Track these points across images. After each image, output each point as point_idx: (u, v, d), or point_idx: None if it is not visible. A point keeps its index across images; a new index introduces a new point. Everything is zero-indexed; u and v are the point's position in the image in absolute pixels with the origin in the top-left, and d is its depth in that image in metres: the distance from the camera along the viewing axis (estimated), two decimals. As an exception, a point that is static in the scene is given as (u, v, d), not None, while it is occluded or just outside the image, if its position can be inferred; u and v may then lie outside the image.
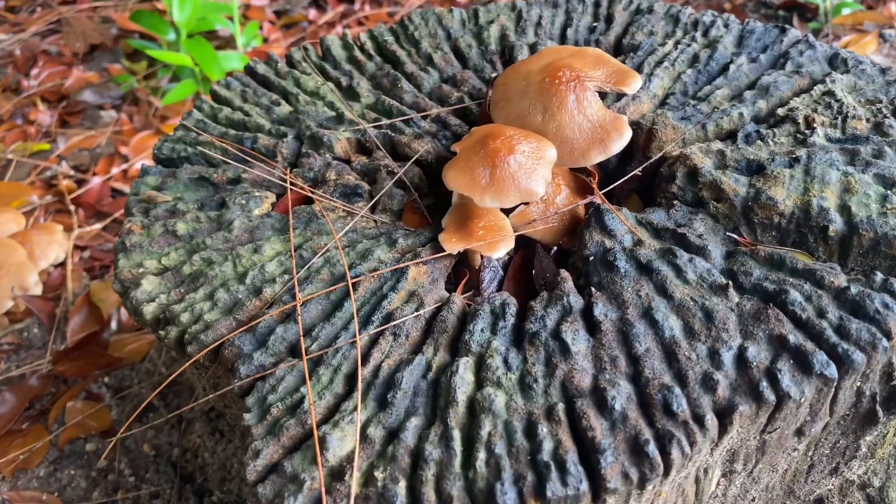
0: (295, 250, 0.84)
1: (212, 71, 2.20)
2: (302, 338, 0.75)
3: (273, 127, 1.00)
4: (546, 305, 0.75)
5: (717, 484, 0.78)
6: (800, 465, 0.81)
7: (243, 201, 0.91)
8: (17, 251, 1.45)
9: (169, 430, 1.33)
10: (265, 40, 2.54)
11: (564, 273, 0.79)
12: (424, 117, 0.98)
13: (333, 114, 1.00)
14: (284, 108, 1.03)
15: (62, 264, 1.65)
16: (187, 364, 0.80)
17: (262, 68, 1.10)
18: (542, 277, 0.82)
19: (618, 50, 1.05)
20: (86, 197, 1.93)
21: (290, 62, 1.12)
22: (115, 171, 2.01)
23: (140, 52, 2.53)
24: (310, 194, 0.90)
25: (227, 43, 2.52)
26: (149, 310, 0.83)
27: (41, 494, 1.23)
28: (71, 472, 1.27)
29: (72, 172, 2.02)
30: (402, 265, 0.80)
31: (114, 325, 1.51)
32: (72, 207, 1.84)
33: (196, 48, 2.21)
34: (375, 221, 0.89)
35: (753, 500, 0.83)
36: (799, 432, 0.73)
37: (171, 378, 0.82)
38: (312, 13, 2.68)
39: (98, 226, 1.84)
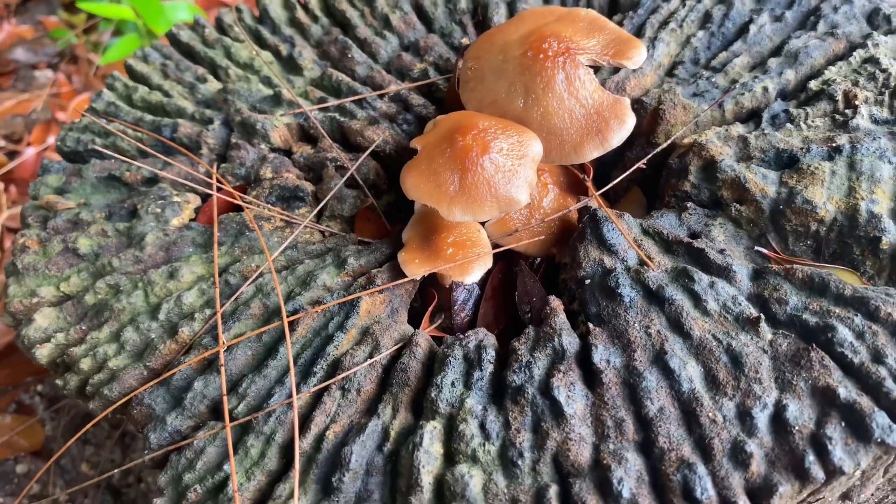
0: (220, 275, 0.68)
1: (156, 24, 1.98)
2: (225, 397, 0.60)
3: (197, 110, 0.82)
4: (533, 348, 0.60)
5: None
6: (836, 519, 0.67)
7: (158, 209, 0.74)
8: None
9: (111, 447, 1.18)
10: (217, -14, 2.30)
11: (555, 301, 0.63)
12: (381, 96, 0.81)
13: (270, 92, 0.83)
14: (212, 86, 0.85)
15: (-10, 252, 1.47)
16: (89, 425, 0.65)
17: (186, 35, 0.91)
18: (526, 303, 0.67)
19: (614, 7, 0.88)
20: (18, 171, 1.74)
21: (221, 27, 0.93)
22: (51, 140, 1.81)
23: (77, 2, 2.29)
24: (239, 201, 0.73)
25: (176, -10, 2.28)
26: (43, 352, 0.68)
27: (-36, 528, 1.08)
28: (-1, 498, 1.13)
29: (2, 143, 1.81)
30: (353, 296, 0.64)
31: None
32: (1, 185, 1.65)
33: (138, -2, 1.99)
34: (323, 233, 0.72)
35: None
36: (845, 496, 0.60)
37: (89, 425, 0.67)
38: (269, -46, 2.44)
39: (33, 204, 1.65)
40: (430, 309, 0.68)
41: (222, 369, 0.61)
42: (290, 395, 0.59)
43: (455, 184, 0.63)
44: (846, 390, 0.54)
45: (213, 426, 0.59)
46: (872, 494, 0.65)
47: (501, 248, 0.69)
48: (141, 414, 0.62)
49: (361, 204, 0.75)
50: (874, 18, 0.81)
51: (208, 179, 0.76)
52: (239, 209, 0.74)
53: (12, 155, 1.79)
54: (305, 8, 0.93)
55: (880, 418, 0.53)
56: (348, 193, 0.75)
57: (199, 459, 0.58)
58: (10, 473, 1.17)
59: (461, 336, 0.61)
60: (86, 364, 0.65)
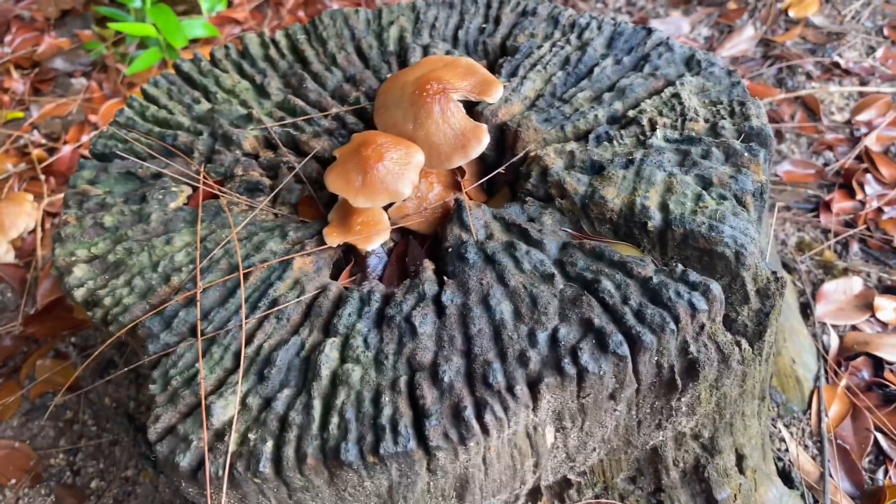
0: (200, 242, 0.98)
1: (175, 39, 2.29)
2: (199, 321, 0.90)
3: (192, 125, 1.13)
4: (406, 292, 0.89)
5: (554, 438, 0.93)
6: (628, 421, 0.96)
7: (160, 196, 1.04)
8: (-13, 223, 1.59)
9: (128, 385, 1.49)
10: (230, 4, 2.62)
11: (427, 262, 0.92)
12: (325, 116, 1.10)
13: (245, 112, 1.12)
14: (203, 106, 1.15)
15: (33, 231, 1.79)
16: (110, 341, 0.95)
17: (187, 66, 1.22)
18: (412, 265, 0.96)
19: (503, 51, 1.16)
20: (57, 165, 2.06)
21: (213, 60, 1.23)
22: (84, 139, 2.13)
23: (109, 18, 2.61)
24: (216, 191, 1.03)
25: (193, 8, 2.59)
26: (79, 294, 0.98)
27: (14, 443, 1.40)
28: (40, 423, 1.45)
29: (43, 141, 2.14)
30: (289, 256, 0.93)
31: (79, 289, 1.66)
32: (42, 176, 1.97)
33: (159, 16, 2.30)
34: (276, 214, 1.02)
35: (594, 449, 0.99)
36: (612, 397, 0.88)
37: (106, 344, 0.97)
38: (277, -25, 2.74)
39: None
40: (347, 269, 0.98)
41: (198, 304, 0.91)
42: (241, 321, 0.89)
43: (360, 181, 0.92)
44: (599, 320, 0.83)
45: (190, 340, 0.89)
46: (644, 401, 0.93)
47: (396, 226, 0.98)
48: (143, 333, 0.92)
49: (304, 194, 1.04)
50: (690, 62, 1.09)
51: (196, 176, 1.06)
52: (217, 197, 1.04)
53: (52, 151, 2.11)
54: (276, 47, 1.23)
55: (616, 337, 0.81)
56: (295, 186, 1.04)
57: (180, 360, 0.87)
58: (49, 404, 1.48)
59: (358, 285, 0.91)
60: (107, 301, 0.95)
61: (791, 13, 2.32)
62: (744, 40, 2.26)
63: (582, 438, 0.96)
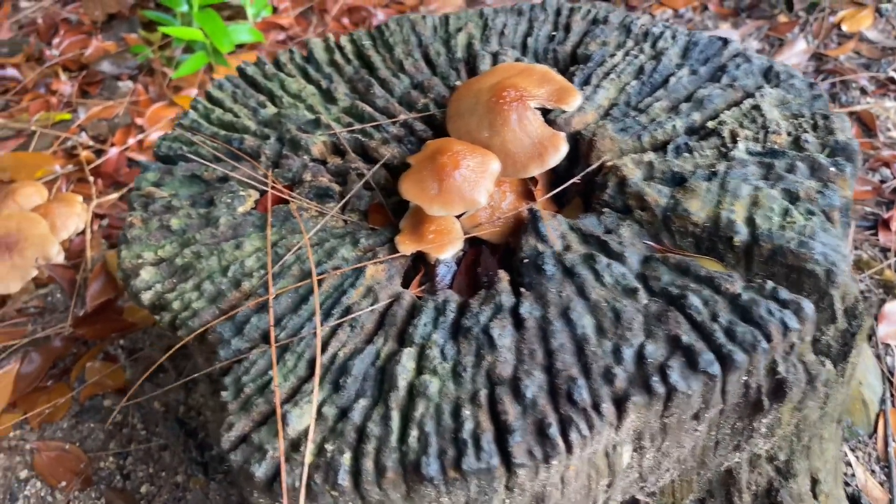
0: (271, 247, 0.97)
1: (222, 44, 2.30)
2: (272, 327, 0.88)
3: (258, 129, 1.12)
4: (482, 303, 0.87)
5: (631, 457, 0.90)
6: (706, 441, 0.93)
7: (229, 200, 1.03)
8: (40, 224, 1.59)
9: (177, 390, 1.49)
10: (275, 10, 2.62)
11: (502, 273, 0.90)
12: (394, 122, 1.09)
13: (312, 117, 1.11)
14: (269, 110, 1.14)
15: (82, 233, 1.79)
16: (178, 346, 0.93)
17: (251, 70, 1.21)
18: (485, 275, 0.94)
19: (574, 59, 1.14)
20: (104, 167, 2.07)
21: (277, 64, 1.22)
22: (131, 141, 2.14)
23: (155, 21, 2.63)
24: (286, 196, 1.02)
25: (238, 13, 2.61)
26: (146, 297, 0.97)
27: (64, 444, 1.39)
28: (90, 425, 1.44)
29: (91, 143, 2.15)
30: (361, 264, 0.92)
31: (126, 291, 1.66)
32: (91, 178, 1.98)
33: (207, 21, 2.31)
34: (345, 221, 1.00)
35: (668, 470, 0.96)
36: (696, 417, 0.85)
37: (175, 349, 0.96)
38: (320, -19, 2.75)
39: (115, 195, 1.98)
40: (417, 277, 0.96)
41: (271, 310, 0.90)
42: (315, 328, 0.87)
43: (435, 189, 0.90)
44: (688, 337, 0.80)
45: (262, 347, 0.87)
46: (725, 421, 0.90)
47: (469, 236, 0.96)
48: (214, 338, 0.90)
49: (374, 201, 1.03)
50: (768, 74, 1.06)
51: (265, 180, 1.05)
52: (285, 202, 1.03)
53: (99, 153, 2.12)
54: (342, 52, 1.22)
55: (706, 355, 0.78)
56: (365, 193, 1.03)
57: (252, 367, 0.86)
58: (99, 406, 1.48)
59: (434, 294, 0.89)
60: (176, 305, 0.94)
61: (844, 27, 2.28)
62: (795, 54, 2.22)
63: (657, 458, 0.93)
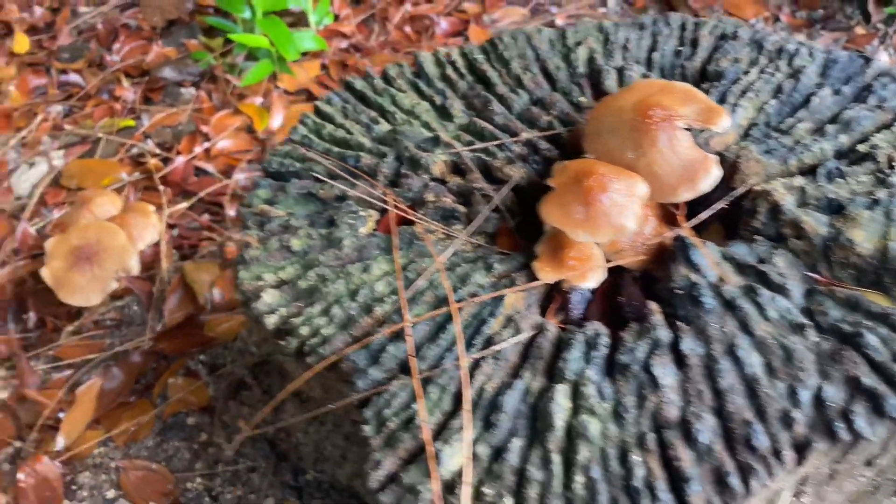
0: (401, 271, 0.92)
1: (287, 51, 2.27)
2: (413, 358, 0.84)
3: (374, 146, 1.07)
4: (636, 338, 0.82)
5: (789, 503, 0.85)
6: (865, 487, 0.87)
7: (351, 220, 0.99)
8: (119, 235, 1.56)
9: (261, 408, 1.45)
10: (336, 17, 2.59)
11: (653, 305, 0.85)
12: (517, 141, 1.04)
13: (430, 134, 1.07)
14: (383, 127, 1.10)
15: (156, 244, 1.76)
16: (309, 374, 0.89)
17: (359, 84, 1.17)
18: (629, 306, 0.89)
19: (703, 75, 1.09)
20: (171, 175, 2.04)
21: (386, 78, 1.18)
22: (197, 150, 2.11)
23: (216, 27, 2.61)
24: (412, 217, 0.98)
25: (299, 20, 2.58)
26: (270, 321, 0.93)
27: (151, 464, 1.36)
28: (175, 444, 1.40)
29: (157, 150, 2.12)
30: (501, 292, 0.87)
31: (205, 304, 1.62)
32: (161, 187, 1.95)
33: (271, 28, 2.28)
34: (472, 244, 0.96)
35: (817, 513, 0.90)
36: (868, 463, 0.80)
37: (306, 376, 0.92)
38: (380, -12, 2.71)
39: (185, 204, 1.95)
40: (554, 305, 0.91)
41: (410, 339, 0.85)
42: (458, 359, 0.83)
43: (581, 214, 0.86)
44: (869, 380, 0.75)
45: (403, 378, 0.83)
46: (893, 465, 0.85)
47: (612, 264, 0.91)
48: (348, 367, 0.86)
49: (501, 224, 0.98)
50: (918, 95, 1.01)
51: (385, 200, 1.01)
52: (408, 223, 0.99)
53: (165, 161, 2.10)
54: (454, 67, 1.17)
55: (892, 400, 0.73)
56: (491, 215, 0.98)
57: (394, 400, 0.82)
58: (183, 423, 1.44)
59: (583, 325, 0.84)
60: (304, 331, 0.90)
61: (926, 40, 2.21)
62: (877, 67, 2.15)
63: (813, 503, 0.88)
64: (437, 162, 1.03)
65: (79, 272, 1.51)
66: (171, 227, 1.88)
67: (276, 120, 2.22)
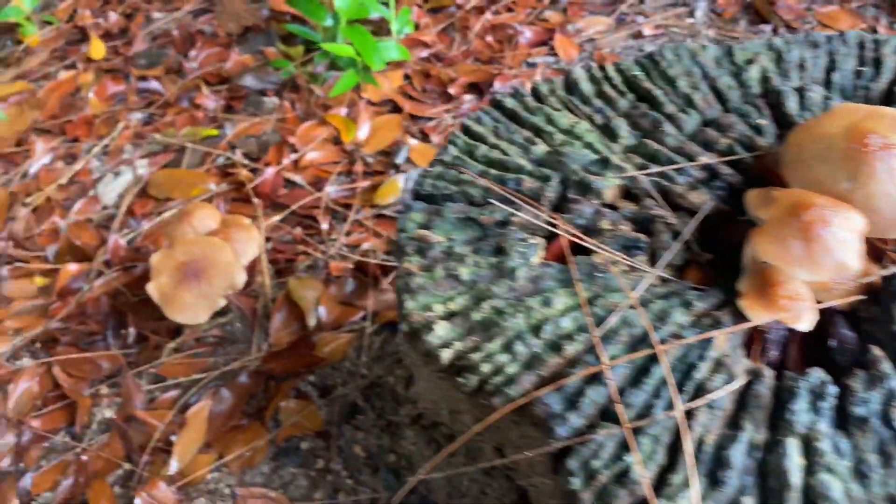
0: (587, 306, 0.86)
1: (372, 61, 2.22)
2: (619, 405, 0.77)
3: (535, 168, 1.01)
4: (867, 387, 0.75)
5: None
6: None
7: (523, 248, 0.93)
8: (225, 250, 1.52)
9: (378, 434, 1.39)
10: (416, 26, 2.54)
11: (877, 350, 0.78)
12: (697, 165, 0.98)
13: (595, 156, 1.01)
14: (541, 148, 1.04)
15: (257, 258, 1.72)
16: (496, 416, 0.83)
17: (510, 102, 1.11)
18: (841, 350, 0.82)
19: (888, 98, 1.02)
20: (260, 187, 2.00)
21: (538, 96, 1.12)
22: (285, 161, 2.07)
23: (294, 35, 2.57)
24: (591, 246, 0.91)
25: (378, 29, 2.53)
26: (445, 355, 0.87)
27: (268, 492, 1.31)
28: (291, 470, 1.35)
29: (245, 161, 2.09)
30: (711, 334, 0.81)
31: (312, 323, 1.58)
32: (255, 200, 1.91)
33: (356, 36, 2.23)
34: (662, 279, 0.89)
35: None
36: None
37: (494, 417, 0.86)
38: (459, -4, 2.66)
39: (277, 217, 1.90)
40: (757, 348, 0.84)
41: (611, 383, 0.79)
42: (670, 408, 0.76)
43: (800, 249, 0.79)
44: None
45: (608, 426, 0.77)
46: None
47: (823, 305, 0.84)
48: (542, 411, 0.80)
49: (688, 256, 0.92)
50: None
51: (552, 228, 0.95)
52: (580, 251, 0.92)
53: (253, 172, 2.05)
54: (610, 83, 1.11)
55: None
56: (675, 245, 0.92)
57: (602, 451, 0.75)
58: (296, 449, 1.39)
59: (805, 373, 0.78)
60: (485, 368, 0.84)
61: None
62: None
63: None
64: (610, 186, 0.97)
65: (186, 289, 1.47)
66: (265, 240, 1.84)
67: (363, 131, 2.17)
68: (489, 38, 2.49)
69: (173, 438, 1.39)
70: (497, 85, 2.27)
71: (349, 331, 1.58)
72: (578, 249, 0.93)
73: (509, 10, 2.60)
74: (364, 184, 2.02)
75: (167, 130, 2.24)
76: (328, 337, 1.54)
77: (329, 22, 2.37)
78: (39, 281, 1.79)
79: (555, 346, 0.84)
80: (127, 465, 1.39)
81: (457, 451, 1.26)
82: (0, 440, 1.46)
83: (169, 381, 1.51)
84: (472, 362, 0.85)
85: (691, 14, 2.54)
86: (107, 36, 2.70)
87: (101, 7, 2.87)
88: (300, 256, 1.80)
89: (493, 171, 1.03)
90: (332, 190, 2.00)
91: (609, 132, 1.04)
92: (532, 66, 2.37)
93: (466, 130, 1.10)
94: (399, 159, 2.08)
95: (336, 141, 2.16)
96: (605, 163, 0.99)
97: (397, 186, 1.99)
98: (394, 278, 1.66)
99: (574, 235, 0.93)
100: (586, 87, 1.11)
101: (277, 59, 2.47)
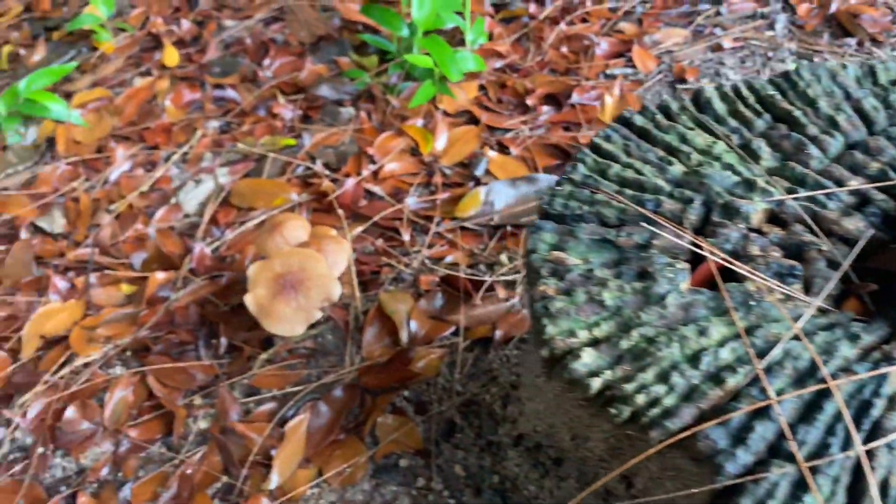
0: (746, 336, 0.83)
1: (450, 72, 2.21)
2: (793, 441, 0.74)
3: (674, 189, 0.99)
4: None
5: None
6: None
7: (670, 274, 0.90)
8: (322, 262, 1.51)
9: (478, 453, 1.37)
10: (490, 37, 2.53)
11: None
12: (850, 191, 0.94)
13: (738, 178, 0.98)
14: (678, 168, 1.01)
15: (346, 271, 1.71)
16: (651, 452, 0.80)
17: (639, 119, 1.08)
18: None
19: None
20: (341, 198, 2.00)
21: (668, 114, 1.09)
22: (365, 172, 2.06)
23: (366, 45, 2.57)
24: (746, 273, 0.88)
25: (451, 39, 2.52)
26: (595, 384, 0.84)
27: (371, 510, 1.29)
28: (392, 488, 1.34)
29: (326, 171, 2.08)
30: (888, 370, 0.77)
31: (405, 337, 1.56)
32: (340, 211, 1.91)
33: (434, 47, 2.22)
34: (821, 309, 0.86)
35: None
36: None
37: (653, 451, 0.83)
38: (532, 7, 2.64)
39: (359, 228, 1.90)
40: (925, 383, 0.81)
41: (782, 419, 0.76)
42: (847, 446, 0.73)
43: (985, 284, 0.75)
44: None
45: (782, 464, 0.74)
46: None
47: None
48: (706, 446, 0.77)
49: (847, 284, 0.88)
50: None
51: (700, 249, 0.92)
52: (731, 278, 0.89)
53: (332, 182, 2.05)
54: (744, 103, 1.08)
55: None
56: (831, 273, 0.88)
57: (776, 491, 0.72)
58: (395, 466, 1.37)
59: None
60: (640, 399, 0.81)
61: None
62: None
63: None
64: (758, 210, 0.94)
65: (284, 301, 1.46)
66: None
67: (440, 142, 2.16)
68: (564, 49, 2.46)
69: (272, 452, 1.38)
70: (576, 96, 2.24)
71: (440, 346, 1.56)
72: (728, 277, 0.90)
73: (584, 20, 2.58)
74: (443, 195, 2.00)
75: (246, 139, 2.25)
76: (421, 352, 1.52)
77: (405, 32, 2.37)
78: (126, 288, 1.80)
79: (715, 378, 0.81)
80: (224, 478, 1.39)
81: (568, 476, 1.24)
82: (98, 448, 1.46)
83: (267, 394, 1.51)
84: (624, 392, 0.83)
85: (771, 27, 2.49)
86: (179, 43, 2.73)
87: (173, 14, 2.90)
88: (384, 269, 1.79)
89: (629, 192, 1.00)
90: (412, 201, 1.98)
91: (749, 153, 1.01)
92: (610, 77, 2.34)
93: (595, 148, 1.08)
94: (478, 171, 2.06)
95: (413, 152, 2.15)
96: (750, 185, 0.96)
97: (479, 199, 1.97)
98: (484, 294, 1.64)
99: (725, 260, 0.90)
100: (719, 105, 1.08)
101: (351, 69, 2.47)
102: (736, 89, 1.10)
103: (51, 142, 2.34)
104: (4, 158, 2.29)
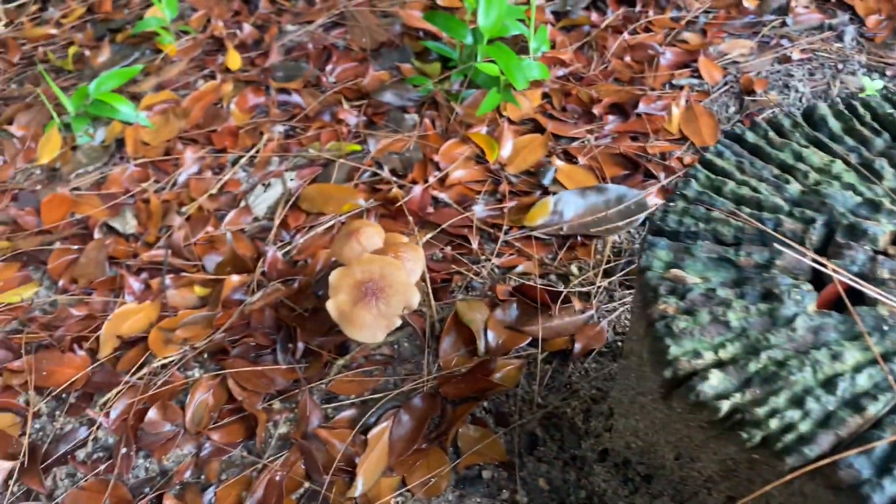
0: (884, 362, 0.81)
1: (516, 80, 2.20)
2: (944, 474, 0.73)
3: (793, 209, 0.97)
4: None
5: None
6: None
7: (798, 295, 0.88)
8: (402, 269, 1.51)
9: (562, 467, 1.36)
10: (552, 45, 2.52)
11: None
12: (972, 213, 0.92)
13: (860, 199, 0.96)
14: (795, 186, 1.00)
15: (422, 277, 1.71)
16: (788, 478, 0.79)
17: (751, 136, 1.07)
18: None
19: None
20: (408, 204, 2.00)
21: (780, 131, 1.08)
22: (431, 179, 2.06)
23: (428, 51, 2.58)
24: (879, 296, 0.86)
25: (513, 46, 2.51)
26: (723, 406, 0.83)
27: (458, 521, 1.29)
28: (476, 499, 1.33)
29: (393, 178, 2.09)
30: None
31: (482, 347, 1.56)
32: (410, 217, 1.91)
33: (500, 55, 2.22)
34: (958, 336, 0.84)
35: None
36: None
37: (786, 479, 0.82)
38: (594, 15, 2.63)
39: (428, 236, 1.90)
40: None
41: (931, 449, 0.74)
42: None
43: None
44: None
45: (932, 496, 0.72)
46: None
47: None
48: (848, 475, 0.75)
49: (981, 311, 0.86)
50: None
51: (826, 270, 0.90)
52: (858, 301, 0.88)
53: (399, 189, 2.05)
54: (860, 120, 1.06)
55: None
56: (965, 300, 0.86)
57: (929, 523, 0.71)
58: (478, 477, 1.37)
59: None
60: (773, 424, 0.80)
61: None
62: None
63: None
64: (886, 232, 0.92)
65: (365, 307, 1.47)
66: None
67: (506, 150, 2.16)
68: (627, 59, 2.45)
69: (356, 460, 1.38)
70: (642, 106, 2.22)
71: (516, 357, 1.55)
72: (855, 299, 0.89)
73: (646, 30, 2.56)
74: (510, 203, 2.00)
75: (313, 144, 2.26)
76: (500, 363, 1.51)
77: (469, 40, 2.37)
78: (199, 291, 1.82)
79: (854, 405, 0.79)
80: (307, 484, 1.39)
81: (661, 494, 1.22)
82: (180, 450, 1.48)
83: (346, 401, 1.51)
84: (755, 417, 0.81)
85: (839, 38, 2.45)
86: (241, 47, 2.75)
87: (233, 18, 2.93)
88: (455, 276, 1.79)
89: (746, 209, 0.99)
90: (479, 209, 1.98)
91: (871, 173, 0.99)
92: (676, 87, 2.32)
93: (708, 165, 1.06)
94: (545, 180, 2.05)
95: (479, 160, 2.15)
96: (875, 206, 0.95)
97: (548, 208, 1.96)
98: (560, 305, 1.63)
99: (855, 283, 0.88)
100: (833, 123, 1.06)
101: (414, 75, 2.48)
102: (850, 106, 1.08)
103: (119, 143, 2.37)
104: (74, 158, 2.32)
